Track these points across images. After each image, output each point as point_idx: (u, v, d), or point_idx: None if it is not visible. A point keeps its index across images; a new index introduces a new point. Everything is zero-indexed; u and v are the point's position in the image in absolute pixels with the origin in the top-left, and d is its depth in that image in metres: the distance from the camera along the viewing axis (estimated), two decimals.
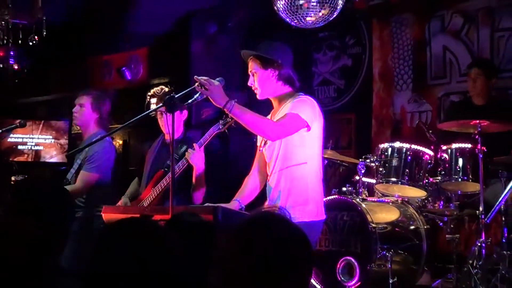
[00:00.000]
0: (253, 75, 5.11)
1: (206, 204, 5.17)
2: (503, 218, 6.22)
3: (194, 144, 5.76)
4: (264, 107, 5.27)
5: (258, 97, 5.19)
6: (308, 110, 4.98)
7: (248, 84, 5.17)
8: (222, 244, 2.24)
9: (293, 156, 5.00)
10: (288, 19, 6.33)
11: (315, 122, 5.02)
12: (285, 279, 2.15)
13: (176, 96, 4.95)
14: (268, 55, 5.07)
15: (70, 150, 7.79)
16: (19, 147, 11.19)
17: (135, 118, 5.64)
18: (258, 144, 5.33)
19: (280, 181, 5.04)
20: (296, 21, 6.32)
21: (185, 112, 6.03)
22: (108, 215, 5.44)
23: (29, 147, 11.08)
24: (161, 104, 5.17)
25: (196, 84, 4.89)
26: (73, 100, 6.78)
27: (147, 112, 5.80)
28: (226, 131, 5.64)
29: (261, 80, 5.08)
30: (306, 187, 5.02)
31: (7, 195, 3.09)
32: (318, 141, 5.10)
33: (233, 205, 5.17)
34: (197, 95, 4.95)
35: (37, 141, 11.14)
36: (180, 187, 5.73)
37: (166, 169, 5.97)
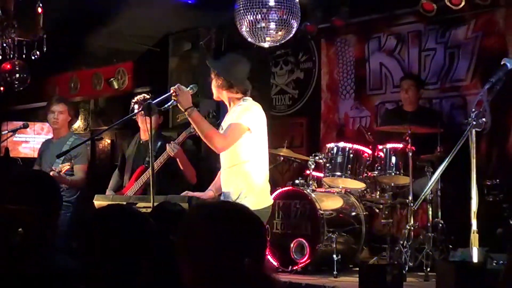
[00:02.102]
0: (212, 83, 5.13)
1: (183, 194, 5.15)
2: (428, 206, 6.29)
3: (171, 142, 5.78)
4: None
5: (214, 98, 5.21)
6: (249, 116, 4.94)
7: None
8: (192, 228, 2.22)
9: (238, 156, 4.95)
10: (251, 39, 6.32)
11: (257, 125, 4.97)
12: (245, 254, 2.14)
13: (153, 102, 4.94)
14: (216, 68, 5.07)
15: None
16: (23, 145, 11.08)
17: (118, 121, 5.69)
18: None
19: (228, 176, 5.01)
20: (257, 41, 6.32)
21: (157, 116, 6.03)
22: (99, 202, 5.42)
23: (32, 145, 10.97)
24: (140, 109, 5.15)
25: (171, 91, 4.88)
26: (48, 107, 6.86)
27: (128, 116, 5.81)
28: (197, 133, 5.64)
29: (213, 86, 5.09)
30: (250, 181, 4.96)
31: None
32: (261, 141, 5.04)
33: (207, 193, 5.15)
34: (171, 102, 4.94)
35: (38, 140, 11.02)
36: (168, 176, 5.74)
37: (146, 164, 5.97)
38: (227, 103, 5.12)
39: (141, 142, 6.26)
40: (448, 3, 7.15)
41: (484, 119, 4.69)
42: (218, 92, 5.09)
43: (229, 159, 4.99)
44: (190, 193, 5.06)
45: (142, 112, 5.54)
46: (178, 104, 4.86)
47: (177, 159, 5.84)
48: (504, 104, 6.96)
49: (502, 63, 4.92)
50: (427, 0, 7.36)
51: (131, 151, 6.32)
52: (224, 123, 5.06)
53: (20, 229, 2.79)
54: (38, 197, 2.94)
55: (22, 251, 2.79)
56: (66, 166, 6.35)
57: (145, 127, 6.03)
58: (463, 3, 7.11)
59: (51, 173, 6.29)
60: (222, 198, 5.08)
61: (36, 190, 2.97)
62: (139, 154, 6.22)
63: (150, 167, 4.87)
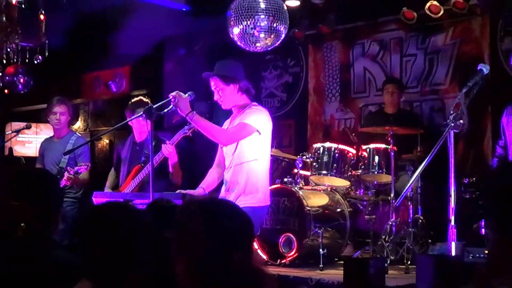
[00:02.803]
0: (218, 91, 5.09)
1: (177, 191, 5.16)
2: (409, 203, 6.30)
3: (166, 142, 5.76)
4: (225, 114, 5.29)
5: (223, 107, 5.19)
6: (258, 118, 5.00)
7: (214, 99, 5.17)
8: (183, 224, 2.22)
9: (246, 154, 5.01)
10: (242, 45, 6.32)
11: (265, 127, 5.03)
12: (233, 248, 2.14)
13: (154, 106, 4.97)
14: (228, 74, 5.07)
15: None
16: (26, 144, 11.03)
17: (120, 124, 5.69)
18: (220, 147, 5.35)
19: (235, 174, 5.05)
20: (248, 46, 6.32)
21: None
22: (98, 199, 5.42)
23: (34, 145, 10.92)
24: (141, 113, 5.15)
25: (171, 97, 4.92)
26: (79, 112, 6.97)
27: (130, 119, 5.83)
28: (191, 134, 5.66)
29: (225, 94, 5.08)
30: (256, 179, 5.04)
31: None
32: (267, 142, 5.12)
33: (198, 191, 5.17)
34: (170, 106, 4.97)
35: (40, 140, 10.97)
36: (160, 175, 5.73)
37: (142, 164, 5.97)
38: (235, 109, 5.17)
39: (135, 142, 6.27)
40: (428, 12, 7.18)
41: (461, 121, 4.70)
42: (234, 98, 5.12)
43: (238, 157, 5.06)
44: (183, 191, 5.08)
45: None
46: (178, 109, 4.90)
47: (168, 159, 5.83)
48: (480, 107, 7.00)
49: (478, 68, 4.95)
50: (408, 9, 7.40)
51: (127, 151, 6.32)
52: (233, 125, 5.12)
53: (22, 224, 2.79)
54: (40, 194, 2.93)
55: (24, 245, 2.79)
56: (82, 169, 6.36)
57: (141, 129, 6.11)
58: (442, 12, 7.15)
59: (65, 175, 6.30)
60: (225, 193, 5.10)
61: (37, 188, 2.97)
62: (134, 154, 6.22)
63: (150, 166, 4.91)
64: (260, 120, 5.03)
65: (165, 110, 5.09)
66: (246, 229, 2.24)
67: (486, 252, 5.06)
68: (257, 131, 4.97)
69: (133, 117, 5.79)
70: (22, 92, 9.60)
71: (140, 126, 6.13)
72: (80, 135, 7.07)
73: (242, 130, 4.99)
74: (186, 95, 4.98)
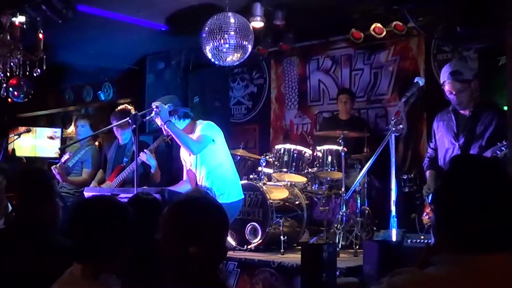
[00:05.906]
0: (163, 126, 5.09)
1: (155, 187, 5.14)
2: (357, 196, 6.32)
3: (145, 150, 5.72)
4: None
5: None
6: (209, 130, 5.06)
7: (164, 134, 5.20)
8: (164, 214, 2.21)
9: (210, 162, 5.03)
10: (214, 60, 6.30)
11: (217, 136, 5.08)
12: (207, 238, 2.12)
13: (139, 114, 4.97)
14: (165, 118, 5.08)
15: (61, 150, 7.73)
16: (26, 145, 10.86)
17: (105, 128, 5.70)
18: (185, 166, 5.35)
19: (208, 180, 5.06)
20: (219, 61, 6.31)
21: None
22: (88, 193, 5.40)
23: (32, 146, 10.76)
24: (127, 118, 5.13)
25: (154, 106, 4.93)
26: (72, 118, 7.02)
27: (116, 123, 5.81)
28: (170, 141, 5.66)
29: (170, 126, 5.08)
30: (226, 180, 5.07)
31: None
32: (223, 146, 5.17)
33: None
34: (152, 114, 4.98)
35: (38, 143, 10.82)
36: (142, 176, 5.70)
37: (124, 164, 6.00)
38: (187, 132, 5.17)
39: (119, 145, 6.29)
40: (372, 33, 7.23)
41: (401, 126, 4.74)
42: (179, 126, 5.12)
43: (207, 166, 5.08)
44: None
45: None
46: (159, 117, 4.91)
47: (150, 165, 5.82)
48: (417, 113, 7.06)
49: (415, 81, 4.99)
50: (356, 30, 7.43)
51: (112, 153, 6.33)
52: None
53: (11, 211, 2.83)
54: (29, 185, 2.98)
55: (22, 231, 2.85)
56: (66, 156, 6.40)
57: (124, 134, 6.12)
58: (384, 33, 7.21)
59: (54, 166, 6.38)
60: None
61: (27, 180, 3.02)
62: (117, 155, 6.23)
63: (134, 164, 4.92)
64: (210, 130, 5.09)
65: (147, 118, 5.08)
66: (217, 224, 2.22)
67: (422, 237, 5.12)
68: (212, 139, 5.03)
69: (118, 123, 5.75)
70: (23, 100, 9.46)
71: (123, 131, 6.16)
72: (94, 147, 7.10)
73: (204, 140, 5.04)
74: (167, 106, 4.97)
